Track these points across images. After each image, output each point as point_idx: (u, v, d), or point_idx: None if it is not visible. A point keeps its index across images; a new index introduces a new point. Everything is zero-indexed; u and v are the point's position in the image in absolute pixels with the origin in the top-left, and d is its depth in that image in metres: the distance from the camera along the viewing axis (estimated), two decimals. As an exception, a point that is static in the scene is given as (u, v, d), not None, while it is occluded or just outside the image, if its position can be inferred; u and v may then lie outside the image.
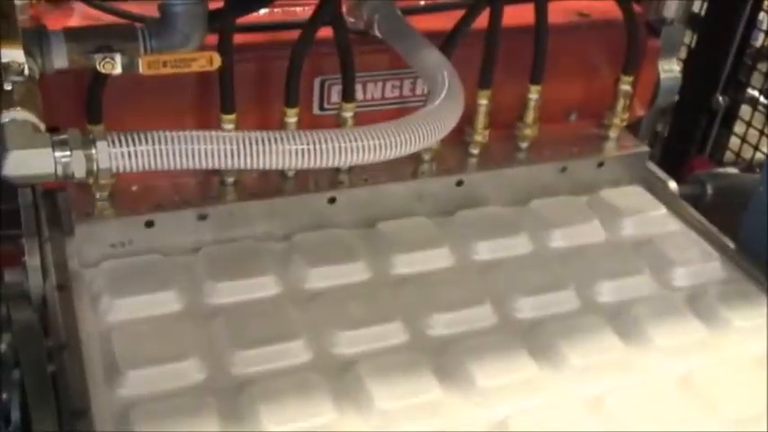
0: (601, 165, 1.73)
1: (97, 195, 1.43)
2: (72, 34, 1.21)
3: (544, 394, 1.27)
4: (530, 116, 1.66)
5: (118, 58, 1.19)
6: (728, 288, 1.51)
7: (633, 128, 1.86)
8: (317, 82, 1.54)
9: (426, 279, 1.45)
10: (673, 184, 1.78)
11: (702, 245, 1.60)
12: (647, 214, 1.67)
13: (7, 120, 1.05)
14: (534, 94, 1.64)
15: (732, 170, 2.06)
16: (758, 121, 2.44)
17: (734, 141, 2.49)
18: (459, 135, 1.63)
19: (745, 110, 2.46)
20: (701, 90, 2.36)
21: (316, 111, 1.56)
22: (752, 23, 2.31)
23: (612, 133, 1.76)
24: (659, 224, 1.66)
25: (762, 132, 2.43)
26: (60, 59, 1.21)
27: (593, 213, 1.64)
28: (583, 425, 1.23)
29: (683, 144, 2.45)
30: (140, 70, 1.19)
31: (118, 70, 1.20)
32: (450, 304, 1.39)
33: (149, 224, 1.43)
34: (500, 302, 1.42)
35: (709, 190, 1.84)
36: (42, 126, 1.08)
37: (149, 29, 1.25)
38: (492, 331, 1.37)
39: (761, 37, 2.43)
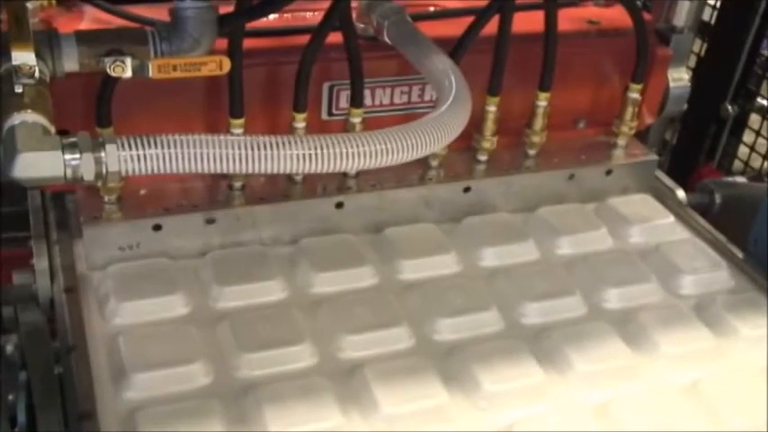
0: (609, 172, 1.73)
1: (105, 198, 1.43)
2: (83, 37, 1.22)
3: (550, 400, 1.27)
4: (538, 123, 1.66)
5: (128, 61, 1.19)
6: (736, 297, 1.50)
7: (642, 136, 1.86)
8: (325, 87, 1.54)
9: (433, 285, 1.44)
10: (681, 193, 1.78)
11: (710, 253, 1.59)
12: (654, 222, 1.67)
13: (18, 122, 1.05)
14: (543, 101, 1.64)
15: (740, 179, 2.06)
16: (767, 130, 2.43)
17: (743, 150, 2.48)
18: (468, 141, 1.63)
19: (754, 119, 2.45)
20: (711, 99, 2.35)
21: (324, 116, 1.57)
22: (762, 32, 2.30)
23: (621, 141, 1.76)
24: (667, 232, 1.65)
25: (771, 142, 2.43)
26: (71, 62, 1.21)
27: (601, 221, 1.64)
28: (589, 430, 1.23)
29: (691, 153, 2.44)
30: (150, 74, 1.19)
31: (128, 74, 1.20)
32: (457, 310, 1.39)
33: (157, 228, 1.43)
34: (507, 308, 1.42)
35: (718, 199, 1.83)
36: (52, 129, 1.08)
37: (160, 33, 1.25)
38: (498, 337, 1.37)
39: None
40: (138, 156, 1.05)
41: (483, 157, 1.66)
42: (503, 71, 1.57)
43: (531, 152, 1.70)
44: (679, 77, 1.81)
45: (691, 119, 2.36)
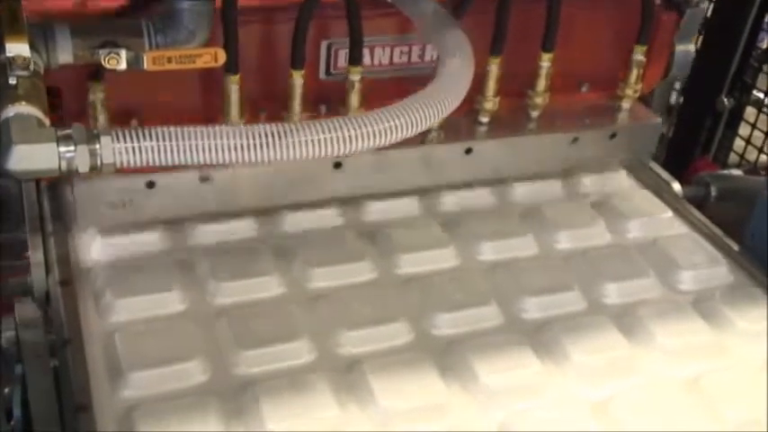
0: (613, 136, 1.72)
1: None
2: (77, 29, 1.21)
3: (549, 394, 1.27)
4: (541, 84, 1.65)
5: (123, 53, 1.19)
6: (732, 291, 1.50)
7: (645, 101, 1.84)
8: (323, 46, 1.51)
9: (431, 279, 1.44)
10: (677, 186, 1.77)
11: (708, 248, 1.59)
12: (652, 217, 1.66)
13: (12, 114, 1.05)
14: (546, 62, 1.62)
15: (736, 172, 2.06)
16: (763, 123, 2.43)
17: (738, 143, 2.48)
18: (470, 104, 1.60)
19: (750, 112, 2.45)
20: (707, 91, 2.35)
21: (322, 75, 1.54)
22: (758, 25, 2.30)
23: (625, 104, 1.76)
24: (665, 227, 1.65)
25: (767, 135, 2.42)
26: (65, 54, 1.21)
27: (599, 215, 1.64)
28: (587, 425, 1.23)
29: (687, 145, 2.44)
30: (145, 66, 1.18)
31: (123, 66, 1.20)
32: (456, 304, 1.38)
33: (150, 185, 1.42)
34: (506, 303, 1.41)
35: (713, 192, 1.83)
36: (47, 121, 1.08)
37: (155, 25, 1.25)
38: (497, 331, 1.37)
39: (767, 39, 2.43)
40: (134, 148, 1.05)
41: (485, 119, 1.65)
42: (505, 31, 1.55)
43: (534, 114, 1.69)
44: (685, 47, 1.80)
45: (687, 112, 2.36)
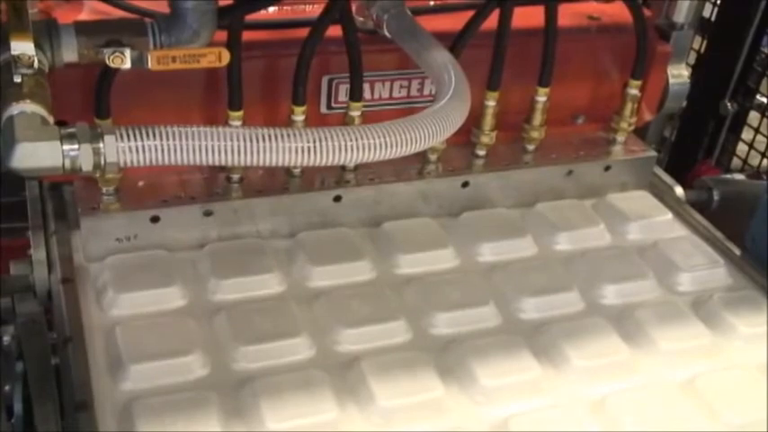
0: (607, 168, 1.73)
1: (103, 190, 1.43)
2: (82, 28, 1.21)
3: (547, 395, 1.27)
4: (537, 119, 1.66)
5: (127, 52, 1.19)
6: (733, 294, 1.50)
7: (641, 132, 1.85)
8: (324, 80, 1.54)
9: (430, 279, 1.45)
10: (679, 190, 1.78)
11: (708, 251, 1.59)
12: (652, 219, 1.67)
13: (16, 112, 1.05)
14: (542, 96, 1.64)
15: (739, 176, 2.06)
16: (766, 127, 2.43)
17: (741, 148, 2.48)
18: (466, 136, 1.63)
19: (753, 116, 2.46)
20: (710, 95, 2.35)
21: (323, 110, 1.56)
22: (762, 30, 2.31)
23: (620, 137, 1.76)
24: (665, 229, 1.65)
25: (770, 139, 2.43)
26: (70, 53, 1.21)
27: (599, 217, 1.64)
28: (585, 426, 1.23)
29: (690, 149, 2.44)
30: (149, 65, 1.19)
31: (127, 65, 1.20)
32: (454, 304, 1.39)
33: (155, 219, 1.43)
34: (504, 303, 1.42)
35: (716, 196, 1.83)
36: (51, 119, 1.08)
37: (159, 24, 1.25)
38: (496, 332, 1.37)
39: (770, 44, 2.43)
40: (137, 147, 1.04)
41: (482, 152, 1.66)
42: (502, 66, 1.57)
43: (530, 147, 1.70)
44: (678, 74, 1.81)
45: (690, 116, 2.36)
